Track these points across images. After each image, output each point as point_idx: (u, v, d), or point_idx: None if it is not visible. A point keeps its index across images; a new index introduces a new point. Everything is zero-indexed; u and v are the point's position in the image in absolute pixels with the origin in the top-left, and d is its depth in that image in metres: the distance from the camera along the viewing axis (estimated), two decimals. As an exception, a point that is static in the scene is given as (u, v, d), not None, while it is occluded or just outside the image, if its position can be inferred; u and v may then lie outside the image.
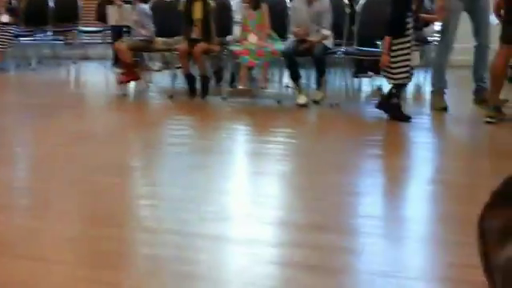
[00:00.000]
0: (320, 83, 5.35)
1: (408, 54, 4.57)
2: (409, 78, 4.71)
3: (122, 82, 5.95)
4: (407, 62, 4.57)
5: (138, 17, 5.89)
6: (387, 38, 4.54)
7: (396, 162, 3.75)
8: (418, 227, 2.77)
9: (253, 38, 5.34)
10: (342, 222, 2.82)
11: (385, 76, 4.77)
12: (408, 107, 5.28)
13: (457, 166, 3.62)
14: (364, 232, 2.70)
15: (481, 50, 4.96)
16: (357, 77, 6.05)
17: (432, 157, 3.98)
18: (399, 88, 4.67)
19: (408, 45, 4.58)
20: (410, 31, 4.61)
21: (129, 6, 6.58)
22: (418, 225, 2.80)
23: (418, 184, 3.37)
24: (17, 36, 7.86)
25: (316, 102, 5.33)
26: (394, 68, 4.57)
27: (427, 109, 5.47)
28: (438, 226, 2.80)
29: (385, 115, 4.68)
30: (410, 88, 5.88)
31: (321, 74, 5.33)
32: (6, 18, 7.59)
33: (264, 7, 5.46)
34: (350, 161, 3.76)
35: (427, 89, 6.19)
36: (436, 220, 2.88)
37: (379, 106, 4.72)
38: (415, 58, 4.74)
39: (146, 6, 5.97)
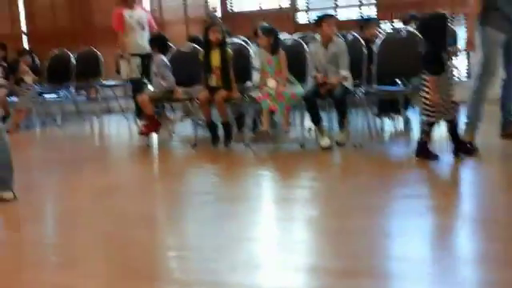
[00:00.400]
0: (342, 125, 5.34)
1: (449, 90, 4.49)
2: (450, 114, 4.57)
3: (145, 134, 6.01)
4: (443, 100, 4.46)
5: (157, 68, 5.99)
6: (431, 78, 4.46)
7: (425, 202, 3.67)
8: (455, 268, 2.69)
9: (272, 83, 5.38)
10: (374, 265, 2.75)
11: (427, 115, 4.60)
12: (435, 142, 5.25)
13: (490, 203, 3.54)
14: (397, 275, 2.63)
15: (510, 84, 4.92)
16: (379, 117, 6.05)
17: (463, 194, 3.90)
18: (429, 126, 4.56)
19: (448, 81, 4.51)
20: (447, 66, 4.55)
21: (137, 58, 6.71)
22: (454, 266, 2.72)
23: (450, 223, 3.28)
24: (41, 94, 8.04)
25: (339, 144, 5.31)
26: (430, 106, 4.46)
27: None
28: (474, 266, 2.71)
29: (411, 154, 4.63)
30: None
31: (342, 116, 5.32)
32: (29, 79, 7.79)
33: (281, 53, 5.51)
34: (379, 202, 3.70)
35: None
36: (472, 260, 2.80)
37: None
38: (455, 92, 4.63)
39: (163, 58, 6.06)
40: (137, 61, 6.91)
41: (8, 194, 4.07)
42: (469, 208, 3.58)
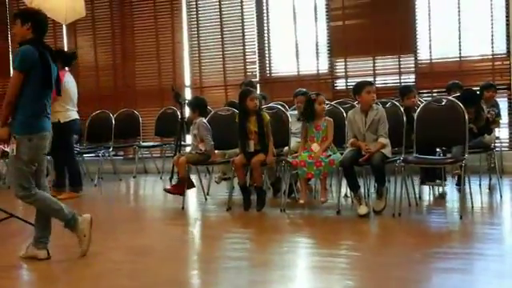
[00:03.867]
0: (381, 193, 5.23)
1: None
2: None
3: (169, 193, 6.04)
4: None
5: (197, 131, 6.03)
6: None
7: (469, 277, 3.51)
8: None
9: (316, 148, 5.35)
10: None
11: None
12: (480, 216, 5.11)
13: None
14: None
15: None
16: (424, 184, 5.94)
17: (509, 270, 3.70)
18: None
19: None
20: None
21: None
22: None
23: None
24: (80, 153, 8.17)
25: (377, 212, 5.19)
26: None
27: (497, 218, 5.27)
28: None
29: (452, 225, 4.48)
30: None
31: (381, 183, 5.22)
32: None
33: (330, 119, 5.51)
34: (418, 276, 3.55)
35: (495, 195, 6.00)
36: None
37: None
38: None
39: (205, 120, 6.11)
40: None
41: (42, 253, 4.06)
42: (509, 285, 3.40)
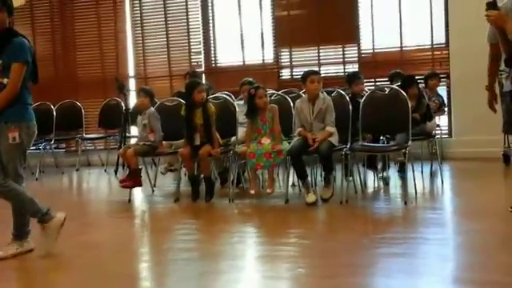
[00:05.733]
0: (328, 180, 5.30)
1: None
2: None
3: (126, 187, 5.89)
4: None
5: (147, 121, 5.93)
6: None
7: (414, 261, 3.61)
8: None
9: (266, 141, 5.36)
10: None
11: None
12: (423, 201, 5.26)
13: (480, 263, 3.47)
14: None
15: None
16: (369, 169, 6.07)
17: (452, 253, 3.83)
18: None
19: None
20: None
21: None
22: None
23: (442, 284, 3.21)
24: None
25: (324, 200, 5.26)
26: None
27: (439, 203, 5.44)
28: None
29: (396, 210, 4.58)
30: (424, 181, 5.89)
31: (328, 172, 5.29)
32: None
33: (273, 107, 5.51)
34: (366, 261, 3.62)
35: (436, 181, 6.20)
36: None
37: None
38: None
39: (155, 111, 6.02)
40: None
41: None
42: (459, 268, 3.51)
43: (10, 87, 3.74)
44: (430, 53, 8.07)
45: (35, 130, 3.93)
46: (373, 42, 8.29)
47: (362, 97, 5.76)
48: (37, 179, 7.72)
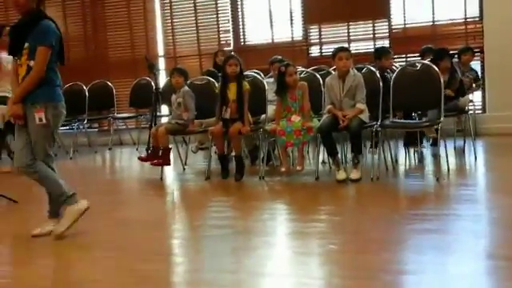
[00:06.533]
0: (357, 161, 5.21)
1: None
2: None
3: (155, 165, 5.97)
4: None
5: (182, 99, 5.96)
6: None
7: (446, 237, 3.58)
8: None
9: (296, 118, 5.33)
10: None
11: None
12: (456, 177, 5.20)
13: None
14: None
15: None
16: (406, 147, 6.02)
17: (485, 230, 3.79)
18: None
19: None
20: None
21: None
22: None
23: (474, 260, 3.18)
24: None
25: (353, 181, 5.20)
26: None
27: (472, 179, 5.37)
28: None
29: (428, 187, 4.54)
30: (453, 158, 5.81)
31: (358, 152, 5.22)
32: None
33: (303, 85, 5.48)
34: (398, 237, 3.62)
35: (469, 157, 6.11)
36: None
37: None
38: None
39: (189, 89, 6.05)
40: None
41: (82, 203, 4.04)
42: (492, 244, 3.48)
43: (35, 70, 3.79)
44: (463, 27, 7.89)
45: (63, 110, 3.96)
46: (404, 16, 8.15)
47: (390, 72, 5.68)
48: (71, 158, 7.86)
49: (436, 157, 5.73)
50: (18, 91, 3.85)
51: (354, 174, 5.20)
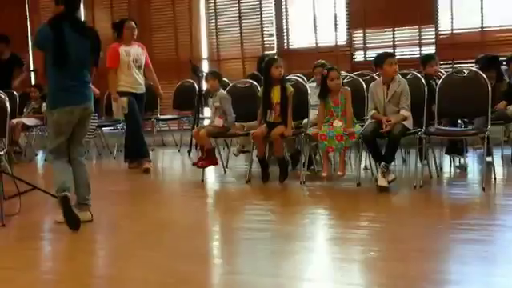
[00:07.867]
0: (386, 169, 5.04)
1: None
2: None
3: (200, 167, 6.00)
4: None
5: (219, 103, 6.00)
6: None
7: (491, 248, 3.49)
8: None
9: (338, 123, 5.29)
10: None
11: None
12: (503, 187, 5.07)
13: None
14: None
15: None
16: (450, 155, 5.90)
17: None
18: None
19: None
20: None
21: (125, 98, 6.62)
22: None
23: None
24: (99, 126, 8.22)
25: (390, 182, 5.08)
26: None
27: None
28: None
29: (474, 196, 4.44)
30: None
31: (391, 157, 5.08)
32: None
33: (346, 90, 5.43)
34: (440, 246, 3.54)
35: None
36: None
37: None
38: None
39: (225, 93, 6.09)
40: (124, 99, 6.63)
41: (87, 215, 4.27)
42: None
43: (37, 73, 4.13)
44: (514, 33, 7.70)
45: (63, 115, 4.11)
46: (451, 22, 7.99)
47: (436, 79, 5.58)
48: (114, 158, 7.99)
49: (488, 165, 5.55)
50: None
51: (382, 182, 5.03)
